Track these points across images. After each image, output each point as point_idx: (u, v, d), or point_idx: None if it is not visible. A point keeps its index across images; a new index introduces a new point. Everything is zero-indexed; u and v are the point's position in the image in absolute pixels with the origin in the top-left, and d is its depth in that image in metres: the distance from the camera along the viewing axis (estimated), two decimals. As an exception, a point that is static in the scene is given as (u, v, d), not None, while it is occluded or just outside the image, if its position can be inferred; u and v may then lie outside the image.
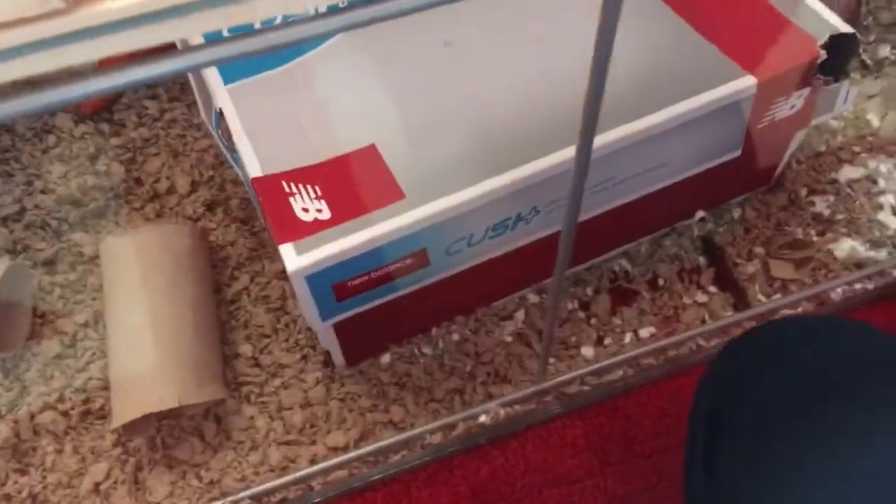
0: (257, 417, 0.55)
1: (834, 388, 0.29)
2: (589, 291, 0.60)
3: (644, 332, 0.58)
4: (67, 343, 0.57)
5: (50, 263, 0.60)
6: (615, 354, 0.56)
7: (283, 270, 0.60)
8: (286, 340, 0.57)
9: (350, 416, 0.55)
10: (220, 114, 0.52)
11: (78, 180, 0.65)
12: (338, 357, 0.55)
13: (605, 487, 0.53)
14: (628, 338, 0.58)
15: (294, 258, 0.44)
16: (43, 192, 0.64)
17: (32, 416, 0.53)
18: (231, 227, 0.63)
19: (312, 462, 0.53)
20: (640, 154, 0.50)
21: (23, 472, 0.52)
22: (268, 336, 0.57)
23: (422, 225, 0.46)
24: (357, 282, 0.47)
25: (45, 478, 0.51)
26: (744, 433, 0.31)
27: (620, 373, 0.56)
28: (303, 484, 0.52)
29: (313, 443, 0.54)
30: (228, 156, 0.57)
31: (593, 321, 0.59)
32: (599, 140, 0.47)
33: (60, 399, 0.54)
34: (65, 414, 0.54)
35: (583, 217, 0.54)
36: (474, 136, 0.49)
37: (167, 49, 0.22)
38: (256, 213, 0.63)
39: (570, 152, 0.46)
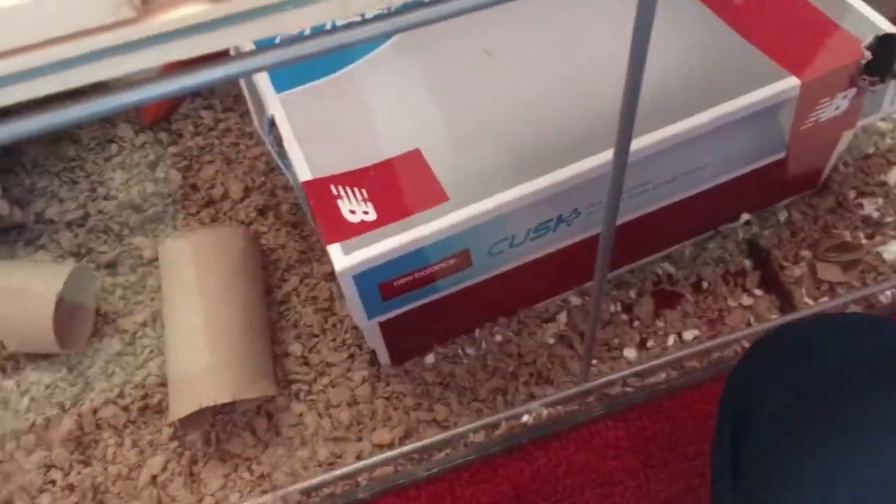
0: (306, 414, 0.56)
1: (854, 380, 0.29)
2: (632, 294, 0.60)
3: (688, 335, 0.58)
4: (128, 341, 0.59)
5: (112, 266, 0.63)
6: (658, 357, 0.57)
7: (331, 272, 0.62)
8: (334, 340, 0.59)
9: (395, 414, 0.56)
10: (272, 121, 0.54)
11: (138, 187, 0.68)
12: (383, 356, 0.57)
13: (647, 489, 0.53)
14: (671, 340, 0.58)
15: (342, 258, 0.46)
16: (105, 198, 0.68)
17: (95, 411, 0.56)
18: (282, 230, 0.65)
19: (359, 458, 0.54)
20: (680, 156, 0.51)
21: (85, 464, 0.54)
22: (316, 336, 0.59)
23: (464, 226, 0.47)
24: (402, 281, 0.49)
25: (105, 469, 0.54)
26: (767, 431, 0.31)
27: (664, 375, 0.56)
28: (349, 480, 0.54)
29: (359, 440, 0.55)
30: (279, 162, 0.60)
31: (636, 324, 0.59)
32: (638, 143, 0.48)
33: (121, 394, 0.57)
34: (125, 409, 0.56)
35: (624, 219, 0.54)
36: (515, 140, 0.50)
37: (221, 55, 0.23)
38: (306, 217, 0.66)
39: (609, 155, 0.47)
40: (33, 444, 0.55)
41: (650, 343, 0.58)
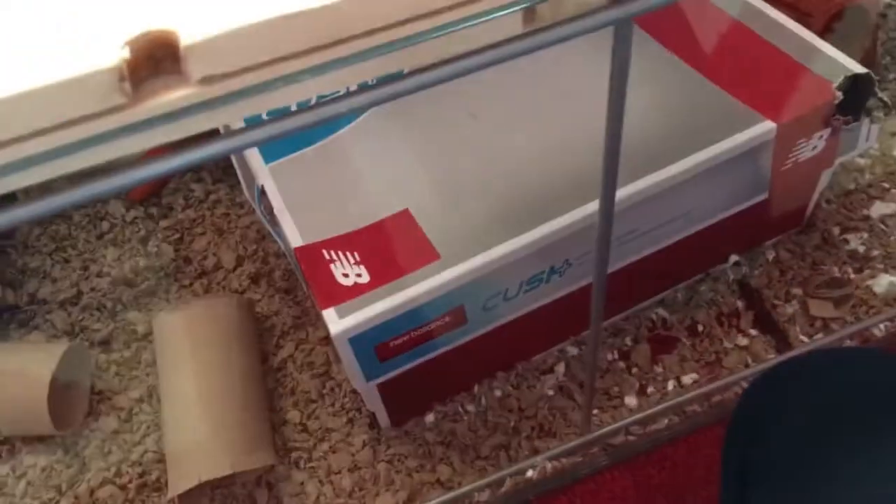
0: (307, 482, 0.56)
1: (855, 412, 0.29)
2: (628, 341, 0.60)
3: (687, 379, 0.58)
4: (124, 418, 0.59)
5: (106, 343, 0.63)
6: (659, 402, 0.56)
7: (327, 336, 0.62)
8: (332, 405, 0.59)
9: (398, 477, 0.55)
10: (262, 191, 0.55)
11: (130, 262, 0.68)
12: (383, 418, 0.56)
13: (658, 540, 0.52)
14: (671, 385, 0.58)
15: (337, 321, 0.46)
16: (98, 275, 0.68)
17: (92, 492, 0.55)
18: (275, 297, 0.65)
19: (363, 525, 0.53)
20: (665, 203, 0.52)
21: (84, 547, 0.53)
22: (314, 401, 0.59)
23: (458, 283, 0.47)
24: (398, 341, 0.49)
25: (105, 552, 0.53)
26: (773, 471, 0.31)
27: (666, 421, 0.56)
28: (354, 548, 0.53)
29: (363, 506, 0.55)
30: (271, 230, 0.60)
31: (634, 370, 0.59)
32: (623, 192, 0.49)
33: (118, 473, 0.56)
34: (123, 487, 0.55)
35: (614, 267, 0.55)
36: (503, 196, 0.51)
37: (209, 134, 0.24)
38: (299, 283, 0.66)
39: (595, 206, 0.48)
40: (30, 530, 0.53)
41: (650, 389, 0.58)
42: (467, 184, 0.52)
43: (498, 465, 0.55)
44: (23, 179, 0.22)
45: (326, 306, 0.47)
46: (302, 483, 0.56)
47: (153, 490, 0.55)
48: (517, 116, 0.55)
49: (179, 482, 0.51)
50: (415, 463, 0.56)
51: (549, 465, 0.54)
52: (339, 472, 0.56)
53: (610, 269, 0.55)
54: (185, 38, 0.21)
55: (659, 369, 0.59)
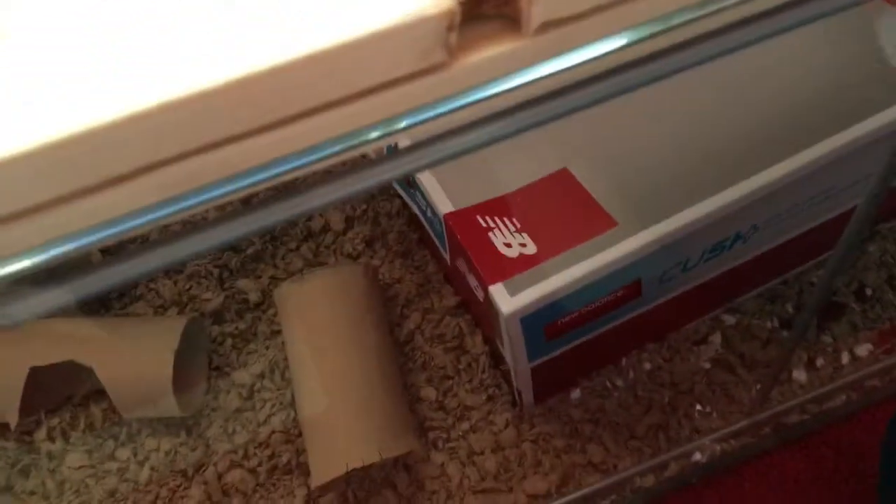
0: (448, 464, 0.52)
1: None
2: (789, 308, 0.55)
3: (861, 350, 0.53)
4: (245, 396, 0.55)
5: (218, 313, 0.59)
6: (833, 377, 0.51)
7: (456, 305, 0.58)
8: (469, 381, 0.54)
9: (546, 458, 0.51)
10: (395, 148, 0.49)
11: (231, 225, 0.63)
12: (528, 396, 0.52)
13: (841, 527, 0.48)
14: (845, 357, 0.52)
15: (508, 300, 0.41)
16: (198, 239, 0.63)
17: (220, 476, 0.52)
18: (395, 262, 0.60)
19: (515, 512, 0.49)
20: (865, 158, 0.45)
21: (219, 535, 0.50)
22: (450, 377, 0.54)
23: (640, 254, 0.42)
24: (568, 319, 0.44)
25: (241, 540, 0.50)
26: None
27: (843, 397, 0.51)
28: (508, 536, 0.49)
29: (510, 490, 0.50)
30: (400, 190, 0.55)
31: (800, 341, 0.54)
32: (826, 146, 0.43)
33: (246, 455, 0.52)
34: (252, 471, 0.52)
35: (798, 231, 0.49)
36: (684, 156, 0.45)
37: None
38: (416, 247, 0.61)
39: (793, 163, 0.42)
40: (161, 518, 0.50)
41: (819, 362, 0.53)
42: (635, 142, 0.46)
43: (656, 445, 0.51)
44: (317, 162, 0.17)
45: (494, 282, 0.41)
46: (442, 465, 0.52)
47: (284, 473, 0.52)
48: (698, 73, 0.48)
49: (323, 470, 0.47)
50: (562, 443, 0.52)
51: (717, 447, 0.50)
52: (482, 453, 0.52)
53: (793, 233, 0.49)
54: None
55: (827, 339, 0.54)
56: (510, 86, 0.17)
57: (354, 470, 0.50)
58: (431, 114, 0.16)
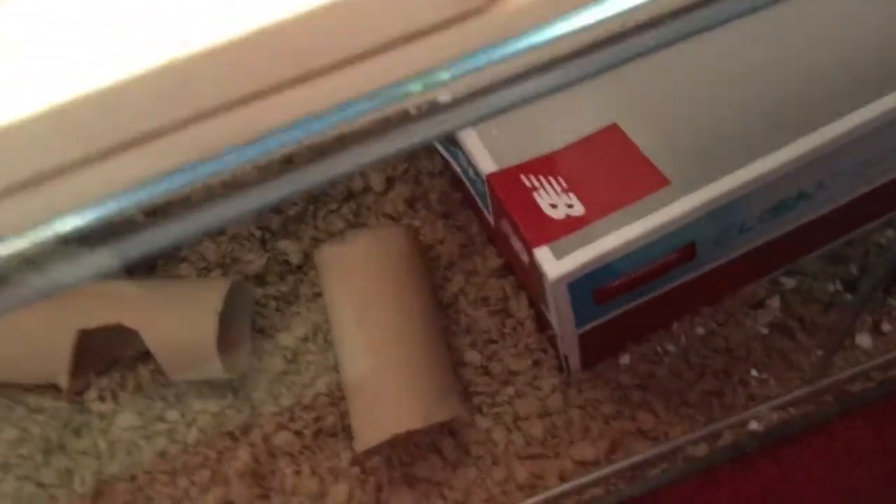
0: (493, 429, 0.51)
1: None
2: (853, 269, 0.52)
3: (932, 315, 0.50)
4: (290, 358, 0.55)
5: (261, 276, 0.58)
6: (901, 343, 0.48)
7: (500, 268, 0.56)
8: (515, 346, 0.53)
9: (594, 424, 0.50)
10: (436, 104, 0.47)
11: (273, 186, 0.63)
12: (574, 361, 0.50)
13: (906, 500, 0.46)
14: (915, 322, 0.50)
15: (554, 264, 0.39)
16: (241, 201, 0.63)
17: (266, 438, 0.52)
18: (436, 223, 0.58)
19: (562, 478, 0.48)
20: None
21: (265, 497, 0.50)
22: (494, 341, 0.53)
23: (694, 215, 0.39)
24: (618, 283, 0.42)
25: (288, 502, 0.50)
26: None
27: (912, 365, 0.48)
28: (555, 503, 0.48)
29: (558, 455, 0.49)
30: (441, 149, 0.53)
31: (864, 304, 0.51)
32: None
33: (292, 418, 0.52)
34: (298, 433, 0.52)
35: (852, 194, 0.46)
36: (739, 108, 0.42)
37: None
38: (458, 206, 0.59)
39: (869, 113, 0.39)
40: (209, 479, 0.51)
41: (885, 326, 0.50)
42: (689, 95, 0.43)
43: (709, 413, 0.49)
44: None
45: (538, 244, 0.40)
46: (488, 430, 0.51)
47: (330, 436, 0.52)
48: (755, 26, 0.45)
49: (367, 435, 0.46)
50: (611, 409, 0.50)
51: (775, 416, 0.48)
52: (528, 419, 0.51)
53: (855, 193, 0.46)
54: None
55: (894, 302, 0.51)
56: (556, 34, 0.15)
57: (399, 435, 0.50)
58: (472, 65, 0.15)
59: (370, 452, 0.50)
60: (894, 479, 0.46)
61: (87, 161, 0.16)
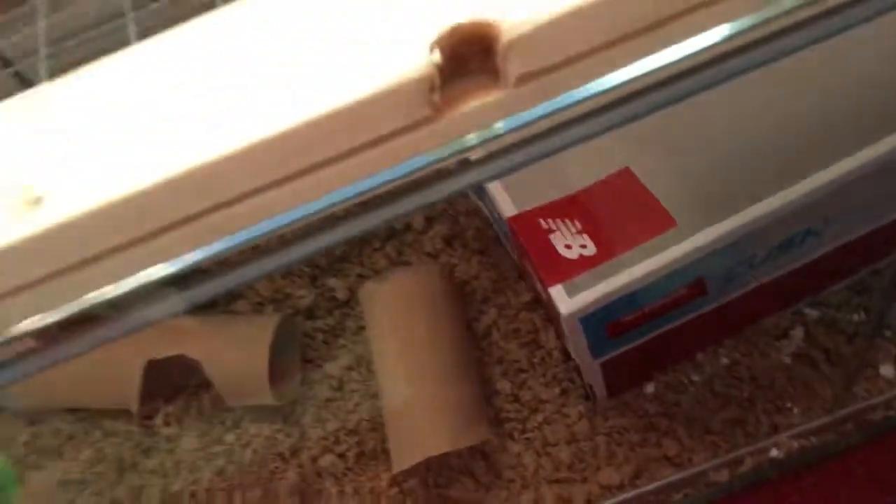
0: (523, 454, 0.54)
1: None
2: (877, 300, 0.53)
3: (956, 345, 0.50)
4: (335, 386, 0.59)
5: (310, 310, 0.63)
6: (923, 373, 0.49)
7: (530, 301, 0.59)
8: (543, 375, 0.56)
9: (619, 450, 0.52)
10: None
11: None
12: (600, 390, 0.53)
13: (930, 529, 0.46)
14: (938, 353, 0.50)
15: (567, 301, 0.42)
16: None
17: (314, 460, 0.56)
18: (472, 260, 0.62)
19: (588, 502, 0.51)
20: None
21: (312, 515, 0.55)
22: (524, 371, 0.56)
23: (699, 253, 0.42)
24: (630, 317, 0.44)
25: (332, 520, 0.54)
26: None
27: (934, 395, 0.49)
28: (581, 525, 0.50)
29: (584, 480, 0.52)
30: (472, 195, 0.57)
31: (888, 334, 0.52)
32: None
33: (336, 441, 0.57)
34: (342, 456, 0.56)
35: (870, 226, 0.47)
36: (745, 151, 0.44)
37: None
38: (493, 244, 0.63)
39: (864, 157, 0.41)
40: (260, 497, 0.55)
41: (909, 357, 0.51)
42: (694, 140, 0.46)
43: (732, 440, 0.51)
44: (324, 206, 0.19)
45: (553, 284, 0.43)
46: (518, 454, 0.54)
47: (371, 459, 0.56)
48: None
49: (403, 458, 0.50)
50: (637, 437, 0.52)
51: (795, 444, 0.49)
52: (556, 444, 0.53)
53: (865, 229, 0.47)
54: (507, 31, 0.17)
55: (919, 333, 0.51)
56: (493, 134, 0.18)
57: (434, 458, 0.53)
58: (423, 162, 0.19)
59: (408, 474, 0.54)
60: (917, 507, 0.47)
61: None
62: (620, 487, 0.51)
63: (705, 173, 0.44)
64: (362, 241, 0.66)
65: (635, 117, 0.20)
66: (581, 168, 0.47)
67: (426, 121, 0.18)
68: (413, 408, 0.52)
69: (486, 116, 0.18)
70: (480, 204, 0.55)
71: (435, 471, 0.54)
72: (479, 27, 0.17)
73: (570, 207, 0.46)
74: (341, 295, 0.64)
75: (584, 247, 0.44)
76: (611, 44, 0.18)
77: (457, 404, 0.52)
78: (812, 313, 0.53)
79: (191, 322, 0.59)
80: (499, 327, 0.59)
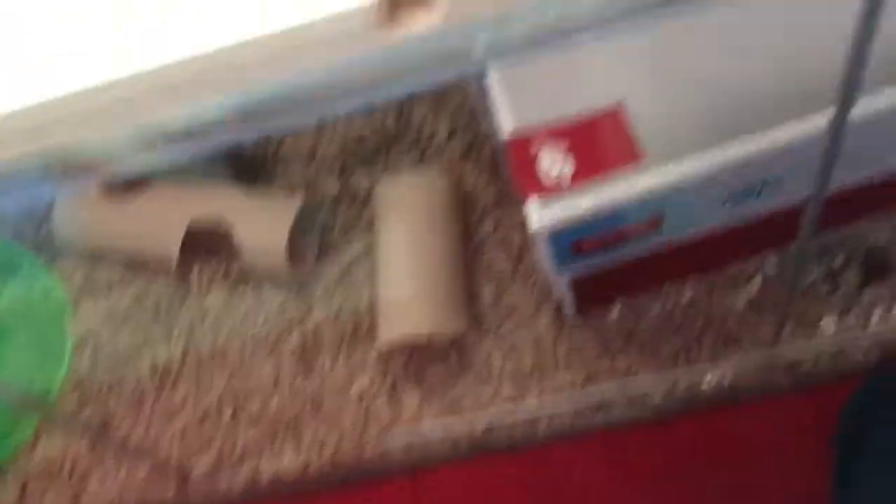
0: (493, 353, 0.61)
1: None
2: (837, 262, 0.57)
3: (898, 313, 0.55)
4: (344, 270, 0.67)
5: (335, 199, 0.71)
6: (860, 332, 0.54)
7: (523, 220, 0.65)
8: (523, 286, 0.62)
9: (576, 362, 0.59)
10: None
11: (359, 123, 0.74)
12: (569, 306, 0.60)
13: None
14: (876, 315, 0.55)
15: (537, 217, 0.48)
16: (331, 139, 0.75)
17: (315, 329, 0.65)
18: (482, 173, 0.68)
19: (540, 397, 0.58)
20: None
21: (306, 376, 0.64)
22: (507, 280, 0.63)
23: (659, 189, 0.47)
24: (593, 240, 0.50)
25: (323, 381, 0.63)
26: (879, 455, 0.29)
27: (862, 355, 0.54)
28: (530, 418, 0.58)
29: (540, 380, 0.59)
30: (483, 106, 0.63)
31: (839, 293, 0.56)
32: (874, 101, 0.44)
33: (337, 317, 0.65)
34: (340, 330, 0.65)
35: (838, 185, 0.51)
36: (724, 95, 0.48)
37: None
38: (502, 163, 0.68)
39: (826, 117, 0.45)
40: (267, 352, 0.65)
41: (851, 317, 0.55)
42: (688, 75, 0.50)
43: (676, 366, 0.57)
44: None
45: (529, 198, 0.49)
46: (489, 352, 0.61)
47: (364, 336, 0.64)
48: (751, 18, 0.51)
49: (386, 336, 0.58)
50: (594, 351, 0.59)
51: (727, 377, 0.55)
52: (522, 348, 0.61)
53: (836, 187, 0.51)
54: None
55: (867, 297, 0.56)
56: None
57: (417, 346, 0.61)
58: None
59: (393, 354, 0.62)
60: (823, 453, 0.52)
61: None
62: (571, 387, 0.58)
63: (689, 112, 0.48)
64: (392, 141, 0.73)
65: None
66: (581, 94, 0.52)
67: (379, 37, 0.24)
68: (402, 294, 0.59)
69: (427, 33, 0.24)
70: (491, 120, 0.60)
71: (416, 356, 0.62)
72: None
73: (562, 133, 0.51)
74: (363, 190, 0.71)
75: (563, 170, 0.50)
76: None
77: (442, 297, 0.59)
78: (774, 266, 0.58)
79: (232, 192, 0.68)
80: (493, 238, 0.65)
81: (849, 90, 0.31)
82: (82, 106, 0.25)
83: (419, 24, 0.24)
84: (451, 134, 0.71)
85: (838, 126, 0.33)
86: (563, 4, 0.24)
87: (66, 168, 0.27)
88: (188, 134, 0.26)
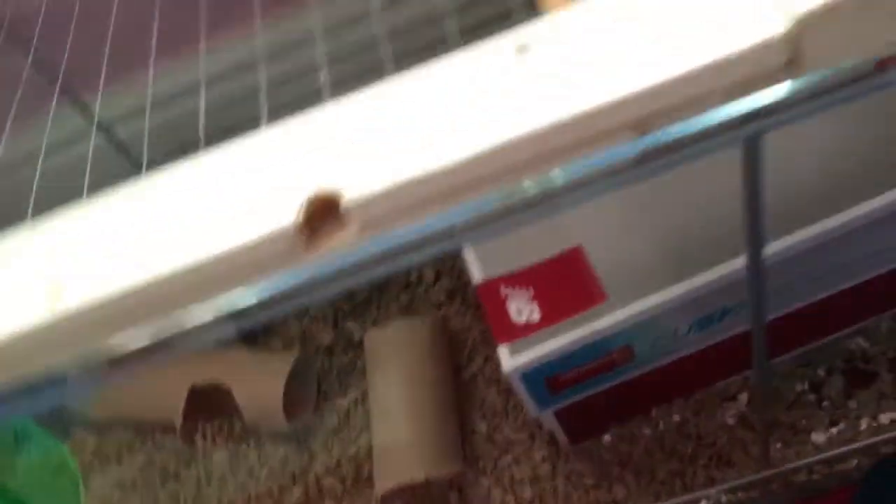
0: (493, 489, 0.61)
1: None
2: (820, 372, 0.58)
3: (884, 418, 0.55)
4: (342, 418, 0.69)
5: (329, 348, 0.73)
6: (850, 442, 0.54)
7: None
8: (516, 420, 0.64)
9: (575, 492, 0.59)
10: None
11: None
12: (561, 437, 0.60)
13: (841, 585, 0.51)
14: (864, 424, 0.55)
15: (509, 359, 0.50)
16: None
17: (318, 481, 0.66)
18: (467, 313, 0.71)
19: (542, 534, 0.58)
20: (867, 237, 0.49)
21: (312, 527, 0.64)
22: (500, 415, 0.64)
23: (624, 325, 0.49)
24: (567, 376, 0.52)
25: (327, 532, 0.63)
26: None
27: (855, 462, 0.53)
28: (533, 555, 0.58)
29: (543, 515, 0.59)
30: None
31: (825, 404, 0.57)
32: (812, 230, 0.47)
33: (338, 465, 0.66)
34: (342, 479, 0.65)
35: (805, 301, 0.53)
36: (677, 233, 0.51)
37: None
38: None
39: (780, 244, 0.47)
40: (271, 509, 0.66)
41: (840, 426, 0.56)
42: (641, 216, 0.53)
43: (672, 491, 0.57)
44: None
45: (501, 342, 0.51)
46: (488, 489, 0.62)
47: (365, 483, 0.65)
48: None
49: (383, 484, 0.59)
50: (591, 481, 0.59)
51: (723, 498, 0.55)
52: (522, 482, 0.61)
53: (801, 302, 0.53)
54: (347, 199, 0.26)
55: (853, 405, 0.56)
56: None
57: (417, 488, 0.62)
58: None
59: (394, 499, 0.63)
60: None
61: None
62: (572, 524, 0.58)
63: (644, 251, 0.51)
64: (382, 288, 0.76)
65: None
66: (542, 244, 0.55)
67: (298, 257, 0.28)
68: (397, 441, 0.61)
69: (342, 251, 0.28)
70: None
71: (417, 499, 0.63)
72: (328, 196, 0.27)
73: (528, 278, 0.54)
74: (357, 337, 0.74)
75: (532, 313, 0.52)
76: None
77: (437, 440, 0.61)
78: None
79: (232, 352, 0.71)
80: (483, 374, 0.67)
81: (753, 234, 0.33)
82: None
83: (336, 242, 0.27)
84: (437, 277, 0.75)
85: (755, 264, 0.35)
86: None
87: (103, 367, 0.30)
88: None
